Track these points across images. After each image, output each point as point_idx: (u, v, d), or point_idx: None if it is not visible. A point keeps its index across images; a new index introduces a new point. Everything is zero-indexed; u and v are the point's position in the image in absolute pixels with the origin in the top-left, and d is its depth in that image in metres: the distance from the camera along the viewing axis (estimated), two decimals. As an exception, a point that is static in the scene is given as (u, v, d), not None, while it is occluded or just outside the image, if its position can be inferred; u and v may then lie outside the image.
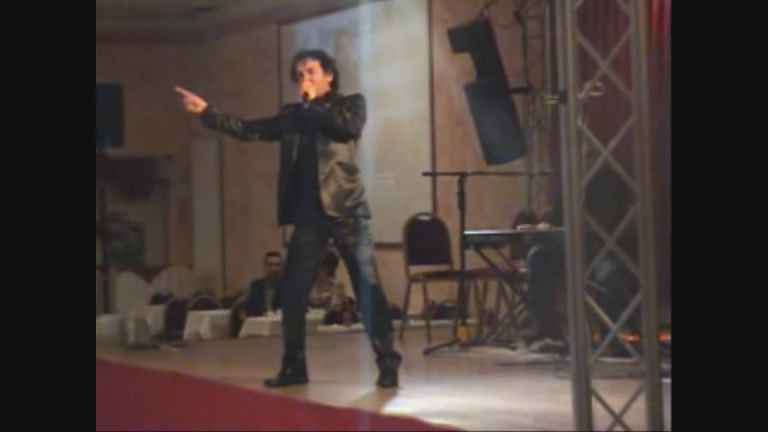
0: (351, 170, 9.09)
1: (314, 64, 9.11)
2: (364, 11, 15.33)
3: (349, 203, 9.03)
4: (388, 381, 8.93)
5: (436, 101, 15.09)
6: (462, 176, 11.62)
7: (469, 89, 13.10)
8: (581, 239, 5.97)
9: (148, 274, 19.30)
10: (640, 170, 5.85)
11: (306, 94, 8.99)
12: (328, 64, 9.15)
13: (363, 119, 9.13)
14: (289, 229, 9.95)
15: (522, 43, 13.72)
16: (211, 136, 19.39)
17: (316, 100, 8.99)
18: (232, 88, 18.92)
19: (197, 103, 9.67)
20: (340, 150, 9.00)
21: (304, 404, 8.77)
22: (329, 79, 9.12)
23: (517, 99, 13.36)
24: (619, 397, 6.06)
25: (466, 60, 13.22)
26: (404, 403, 8.30)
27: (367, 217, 9.12)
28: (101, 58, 17.95)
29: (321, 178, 8.94)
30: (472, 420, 7.61)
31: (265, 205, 17.84)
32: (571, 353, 6.04)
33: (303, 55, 9.31)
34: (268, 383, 9.08)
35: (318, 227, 9.06)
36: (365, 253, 9.07)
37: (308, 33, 17.28)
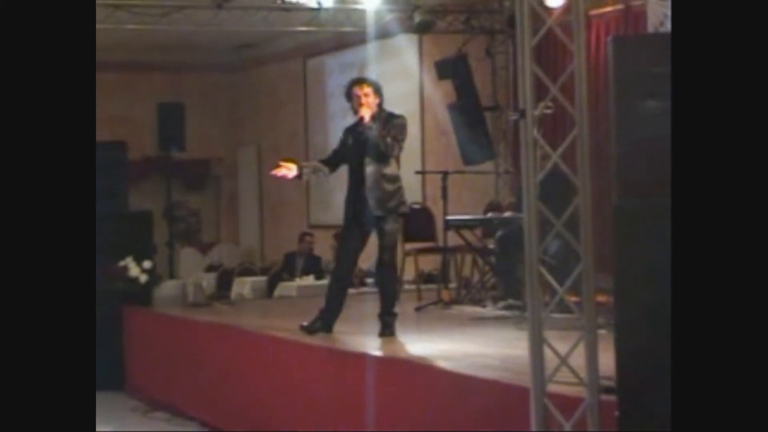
0: (393, 179, 9.07)
1: (369, 89, 9.00)
2: (371, 47, 15.29)
3: (391, 204, 9.01)
4: (387, 332, 8.92)
5: (425, 117, 15.08)
6: (445, 174, 11.63)
7: (451, 108, 13.11)
8: (536, 223, 5.96)
9: (204, 248, 19.27)
10: (581, 170, 5.85)
11: (362, 117, 8.90)
12: (378, 89, 9.04)
13: (402, 142, 9.05)
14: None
15: (491, 73, 13.69)
16: (252, 143, 19.43)
17: (371, 119, 8.94)
18: (267, 106, 18.92)
19: (290, 169, 9.35)
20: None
21: (324, 348, 8.78)
22: (378, 101, 9.05)
23: (488, 116, 13.34)
24: (565, 344, 6.04)
25: (448, 86, 13.21)
26: (399, 349, 8.29)
27: (405, 212, 9.23)
28: (169, 83, 18.10)
29: (368, 184, 8.94)
30: (453, 362, 7.60)
31: (294, 196, 17.86)
32: (528, 310, 6.03)
33: (359, 81, 9.18)
34: (304, 328, 9.12)
35: (366, 222, 9.08)
36: (391, 240, 9.12)
37: (328, 65, 17.28)
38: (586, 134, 5.80)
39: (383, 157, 8.95)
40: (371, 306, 9.47)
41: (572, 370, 5.94)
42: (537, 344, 5.91)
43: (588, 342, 5.83)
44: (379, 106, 9.02)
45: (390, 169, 9.05)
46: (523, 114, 5.79)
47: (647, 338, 5.66)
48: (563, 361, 5.96)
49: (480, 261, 11.94)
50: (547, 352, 5.99)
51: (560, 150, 5.89)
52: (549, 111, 5.97)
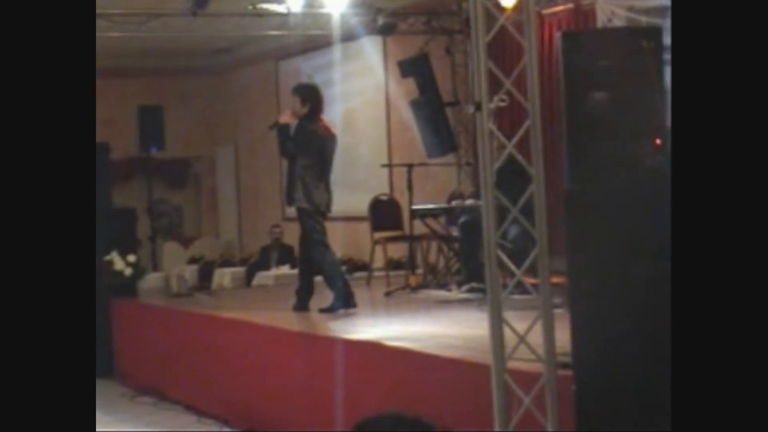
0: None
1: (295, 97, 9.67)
2: (338, 49, 15.28)
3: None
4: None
5: (391, 113, 15.07)
6: (410, 167, 11.62)
7: (414, 104, 13.04)
8: (493, 210, 5.93)
9: (186, 242, 19.18)
10: (534, 159, 5.81)
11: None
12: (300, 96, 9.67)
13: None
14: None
15: (452, 70, 13.65)
16: (230, 142, 19.36)
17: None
18: (243, 107, 18.86)
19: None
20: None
21: (296, 333, 8.79)
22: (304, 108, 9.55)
23: (449, 111, 13.28)
24: (525, 323, 6.02)
25: (411, 83, 13.17)
26: (369, 331, 8.26)
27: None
28: (149, 87, 18.01)
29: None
30: (420, 342, 7.60)
31: (269, 191, 17.81)
32: (487, 292, 6.00)
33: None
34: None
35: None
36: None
37: (299, 67, 17.22)
38: (539, 125, 5.78)
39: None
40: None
41: (530, 348, 5.92)
42: (497, 323, 5.88)
43: (545, 320, 5.81)
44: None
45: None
46: (478, 107, 5.76)
47: (600, 315, 5.66)
48: (522, 339, 5.93)
49: (445, 247, 11.92)
50: (508, 331, 5.97)
51: (514, 140, 5.86)
52: (503, 104, 5.93)
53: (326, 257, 9.53)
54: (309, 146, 9.46)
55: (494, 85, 5.94)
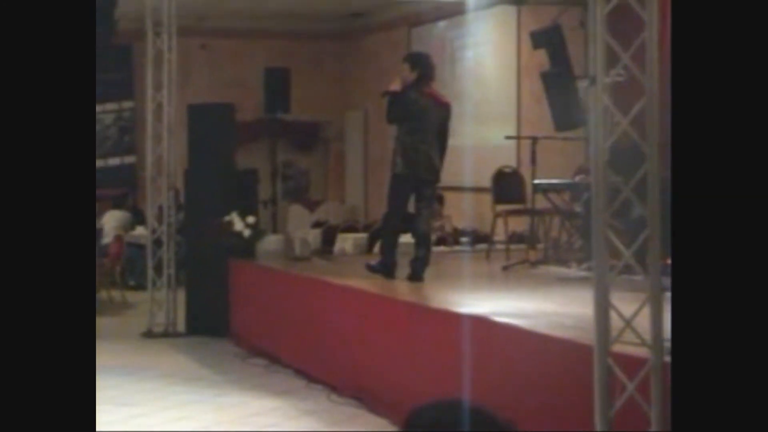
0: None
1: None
2: (471, 18, 15.16)
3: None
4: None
5: (522, 84, 14.90)
6: (534, 140, 11.45)
7: (544, 76, 12.81)
8: (604, 188, 5.74)
9: (312, 206, 19.27)
10: (650, 137, 5.61)
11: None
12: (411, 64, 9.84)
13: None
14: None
15: (584, 43, 13.37)
16: (359, 108, 19.35)
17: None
18: (373, 73, 18.80)
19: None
20: None
21: (399, 301, 8.75)
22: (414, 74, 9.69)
23: (580, 84, 13.04)
24: (635, 305, 5.83)
25: (542, 55, 12.94)
26: (481, 305, 8.13)
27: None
28: (279, 50, 18.10)
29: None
30: (530, 319, 7.45)
31: (396, 158, 17.75)
32: (594, 273, 5.83)
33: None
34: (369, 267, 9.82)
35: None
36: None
37: (430, 33, 17.12)
38: (656, 102, 5.57)
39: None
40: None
41: (635, 332, 5.73)
42: (602, 305, 5.71)
43: (653, 304, 5.62)
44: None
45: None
46: (593, 81, 5.58)
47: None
48: (627, 323, 5.75)
49: (567, 223, 11.73)
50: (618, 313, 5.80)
51: (630, 117, 5.66)
52: (620, 78, 5.74)
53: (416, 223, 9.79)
54: (409, 114, 9.46)
55: (614, 59, 5.76)
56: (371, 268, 9.88)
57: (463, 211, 15.38)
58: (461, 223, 15.24)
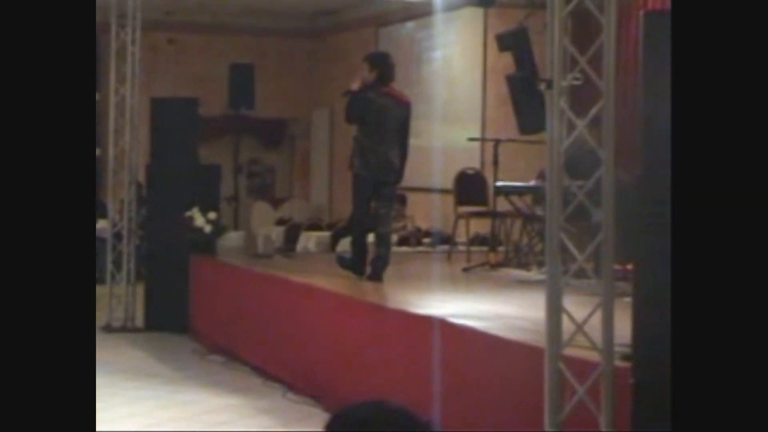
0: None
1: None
2: (439, 19, 15.18)
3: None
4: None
5: (488, 86, 14.92)
6: (496, 142, 11.46)
7: (509, 78, 12.83)
8: (559, 192, 5.75)
9: (276, 203, 19.25)
10: (606, 141, 5.63)
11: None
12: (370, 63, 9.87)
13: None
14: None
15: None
16: (326, 106, 19.32)
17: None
18: (341, 72, 18.77)
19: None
20: None
21: (357, 301, 8.74)
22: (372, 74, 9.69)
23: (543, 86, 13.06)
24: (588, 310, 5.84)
25: (509, 57, 12.96)
26: (438, 307, 8.13)
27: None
28: (246, 45, 18.05)
29: None
30: (486, 321, 7.44)
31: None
32: (546, 276, 5.84)
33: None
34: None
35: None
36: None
37: (398, 34, 17.11)
38: (612, 106, 5.58)
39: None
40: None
41: (587, 336, 5.74)
42: (554, 308, 5.72)
43: (605, 308, 5.63)
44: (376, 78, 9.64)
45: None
46: (549, 84, 5.59)
47: (666, 308, 5.44)
48: (579, 327, 5.76)
49: (529, 226, 11.74)
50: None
51: (586, 120, 5.67)
52: (577, 82, 5.75)
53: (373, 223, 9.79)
54: (367, 114, 9.46)
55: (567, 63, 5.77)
56: (342, 262, 9.85)
57: (428, 211, 15.37)
58: (426, 224, 15.25)
